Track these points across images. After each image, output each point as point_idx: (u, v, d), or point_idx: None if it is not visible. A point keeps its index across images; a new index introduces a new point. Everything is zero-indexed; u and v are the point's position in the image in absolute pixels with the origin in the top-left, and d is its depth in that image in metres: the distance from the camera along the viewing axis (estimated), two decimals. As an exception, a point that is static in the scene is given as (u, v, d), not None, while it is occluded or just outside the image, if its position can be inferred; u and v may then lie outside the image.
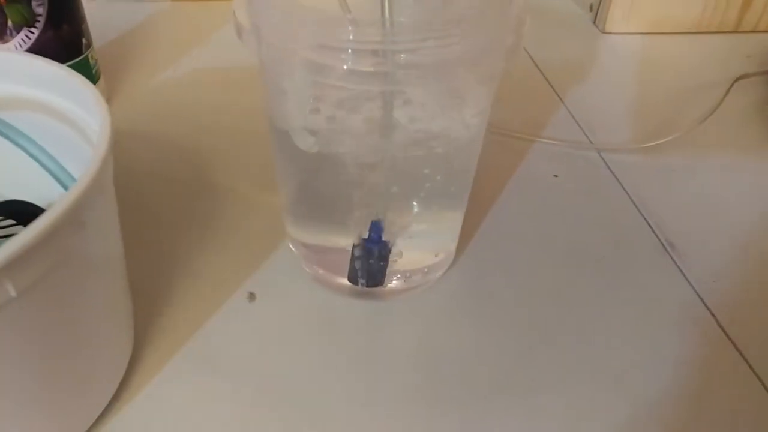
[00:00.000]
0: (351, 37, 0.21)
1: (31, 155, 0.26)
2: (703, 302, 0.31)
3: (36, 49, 0.36)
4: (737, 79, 0.45)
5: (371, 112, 0.24)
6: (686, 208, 0.37)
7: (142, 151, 0.40)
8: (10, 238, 0.28)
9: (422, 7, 0.24)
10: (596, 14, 0.57)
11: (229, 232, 0.34)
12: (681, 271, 0.33)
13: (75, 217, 0.19)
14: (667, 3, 0.54)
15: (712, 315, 0.31)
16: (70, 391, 0.23)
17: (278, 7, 0.23)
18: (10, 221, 0.28)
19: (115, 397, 0.26)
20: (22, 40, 0.35)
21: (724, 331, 0.30)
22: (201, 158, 0.39)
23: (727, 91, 0.43)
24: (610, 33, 0.56)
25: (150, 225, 0.34)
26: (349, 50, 0.21)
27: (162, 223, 0.35)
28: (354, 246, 0.29)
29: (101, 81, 0.42)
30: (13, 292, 0.18)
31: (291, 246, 0.33)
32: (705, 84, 0.48)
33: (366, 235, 0.28)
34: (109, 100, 0.43)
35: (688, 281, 0.32)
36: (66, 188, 0.26)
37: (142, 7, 0.55)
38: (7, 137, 0.26)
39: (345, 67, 0.21)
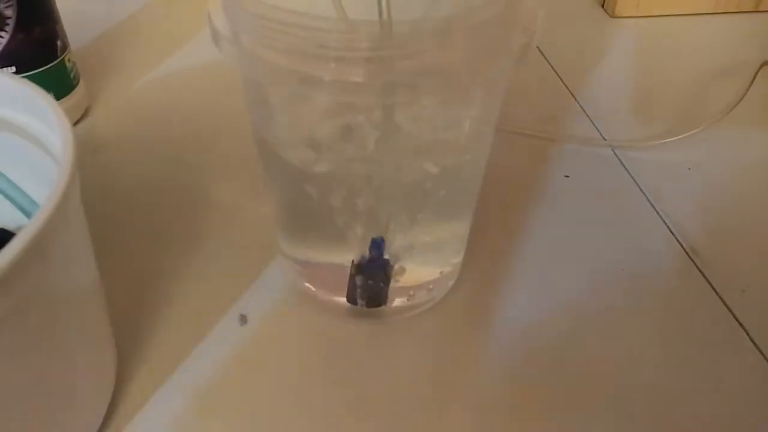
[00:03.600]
0: (338, 43, 0.18)
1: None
2: (733, 315, 0.29)
3: (6, 54, 0.33)
4: (762, 65, 0.42)
5: (368, 126, 0.21)
6: (709, 210, 0.34)
7: (123, 158, 0.37)
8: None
9: (416, 6, 0.22)
10: (605, -3, 0.54)
11: (218, 245, 0.32)
12: (707, 280, 0.31)
13: (35, 252, 0.17)
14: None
15: (744, 329, 0.28)
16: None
17: (256, 10, 0.20)
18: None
19: (95, 439, 0.24)
20: (-9, 45, 0.33)
21: (756, 346, 0.28)
22: (187, 164, 0.37)
23: (753, 79, 0.40)
24: (621, 17, 0.53)
25: (131, 238, 0.32)
26: (335, 58, 0.19)
27: (144, 235, 0.32)
28: (353, 264, 0.26)
29: (81, 85, 0.39)
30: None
31: (284, 261, 0.30)
32: (726, 70, 0.45)
33: (366, 254, 0.26)
34: (90, 104, 0.41)
35: (716, 292, 0.30)
36: (21, 209, 0.24)
37: (122, 2, 0.53)
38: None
39: (328, 78, 0.19)
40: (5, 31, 0.33)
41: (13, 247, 0.16)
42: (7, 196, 0.23)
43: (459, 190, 0.26)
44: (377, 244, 0.26)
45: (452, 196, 0.26)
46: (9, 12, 0.33)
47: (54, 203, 0.17)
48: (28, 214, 0.25)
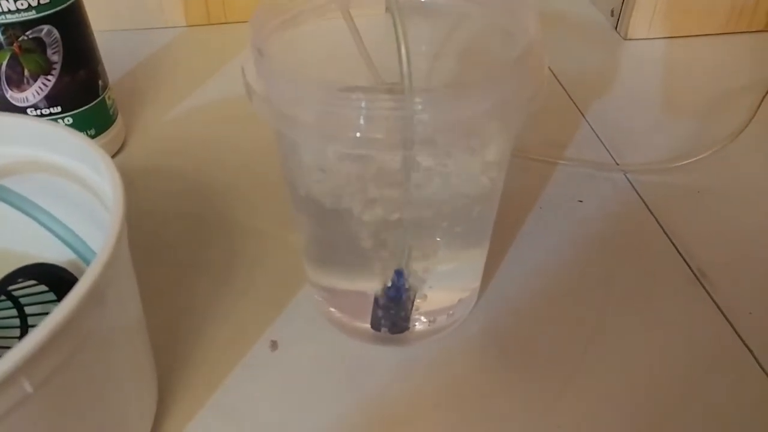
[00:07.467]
0: (362, 104, 0.20)
1: (40, 222, 0.26)
2: (740, 337, 0.30)
3: (53, 95, 0.36)
4: (770, 87, 0.43)
5: (388, 172, 0.23)
6: (719, 233, 0.36)
7: (159, 188, 0.39)
8: (34, 297, 0.28)
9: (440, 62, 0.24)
10: (618, 20, 0.55)
11: (250, 274, 0.34)
12: (715, 302, 0.32)
13: (93, 299, 0.19)
14: (693, 3, 0.53)
15: (750, 351, 0.30)
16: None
17: (285, 75, 0.22)
18: (32, 281, 0.28)
19: (142, 459, 0.26)
20: (39, 88, 0.36)
21: (763, 369, 0.29)
22: (219, 194, 0.39)
23: (762, 100, 0.41)
24: (633, 39, 0.54)
25: (166, 268, 0.34)
26: (361, 118, 0.20)
27: (180, 264, 0.34)
28: (376, 295, 0.28)
29: (119, 119, 0.42)
30: (29, 389, 0.17)
31: (310, 288, 0.32)
32: (737, 90, 0.46)
33: (389, 284, 0.28)
34: (126, 137, 0.43)
35: (723, 314, 0.31)
36: (72, 249, 0.26)
37: (157, 34, 0.55)
38: (14, 206, 0.26)
39: (357, 134, 0.21)
40: (52, 74, 0.36)
41: (75, 295, 0.18)
42: (54, 233, 0.25)
43: (474, 225, 0.28)
44: (398, 274, 0.28)
45: (468, 231, 0.27)
46: (55, 57, 0.35)
47: (108, 253, 0.20)
48: (72, 248, 0.27)
